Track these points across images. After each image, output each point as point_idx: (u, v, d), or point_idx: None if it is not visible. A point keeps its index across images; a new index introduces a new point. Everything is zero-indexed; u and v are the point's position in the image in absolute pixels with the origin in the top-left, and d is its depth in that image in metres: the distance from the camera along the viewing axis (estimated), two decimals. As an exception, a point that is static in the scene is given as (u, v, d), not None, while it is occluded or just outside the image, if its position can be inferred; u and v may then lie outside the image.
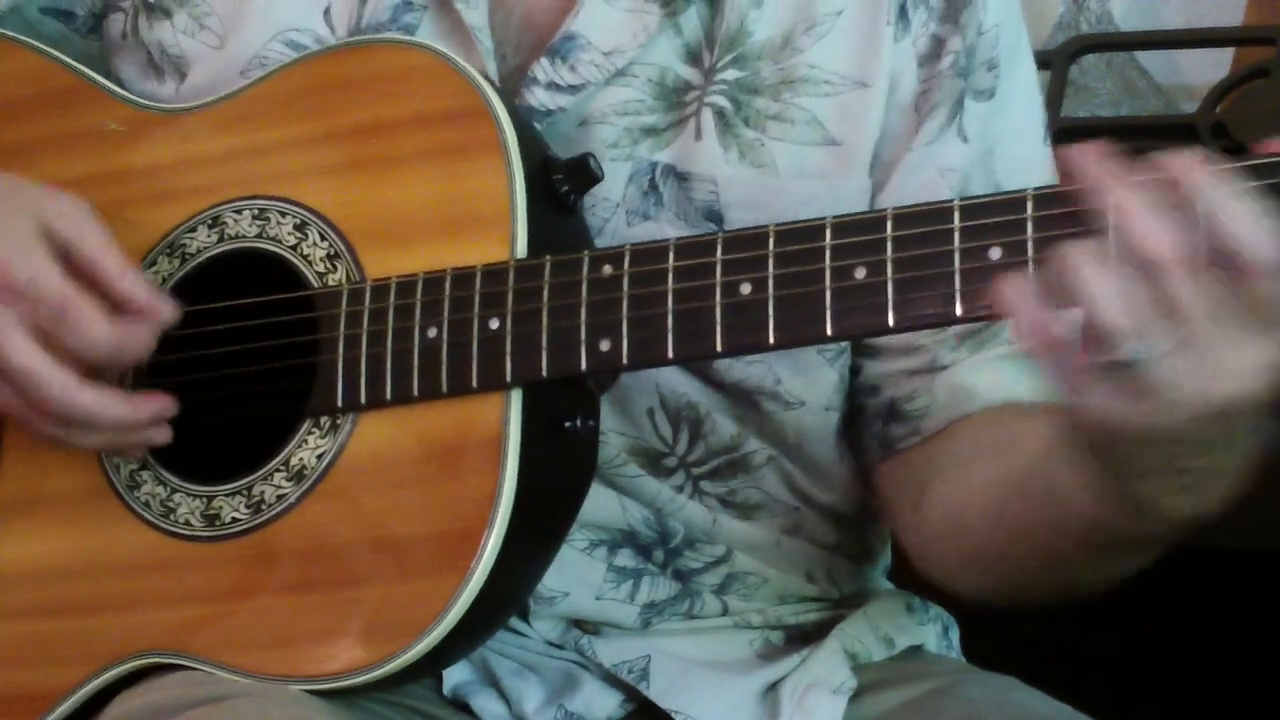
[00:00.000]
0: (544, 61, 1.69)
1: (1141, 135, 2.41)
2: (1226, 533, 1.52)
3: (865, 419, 1.74)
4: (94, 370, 1.61)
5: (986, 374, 1.68)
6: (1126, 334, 1.31)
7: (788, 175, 1.69)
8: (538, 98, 1.68)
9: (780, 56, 1.70)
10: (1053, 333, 1.34)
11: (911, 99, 1.71)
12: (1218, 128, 2.36)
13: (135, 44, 1.80)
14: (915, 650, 1.82)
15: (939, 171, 1.70)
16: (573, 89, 1.68)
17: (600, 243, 1.67)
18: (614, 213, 1.68)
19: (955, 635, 1.88)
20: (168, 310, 1.63)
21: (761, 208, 1.67)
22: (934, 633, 1.85)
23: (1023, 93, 1.76)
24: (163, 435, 1.64)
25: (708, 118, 1.69)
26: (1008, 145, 1.73)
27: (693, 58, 1.70)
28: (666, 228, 1.68)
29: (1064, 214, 1.41)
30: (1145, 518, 1.43)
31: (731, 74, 1.70)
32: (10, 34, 1.81)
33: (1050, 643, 2.46)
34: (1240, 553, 1.84)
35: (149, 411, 1.63)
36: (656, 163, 1.69)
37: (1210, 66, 2.59)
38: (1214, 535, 1.52)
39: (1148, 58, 2.65)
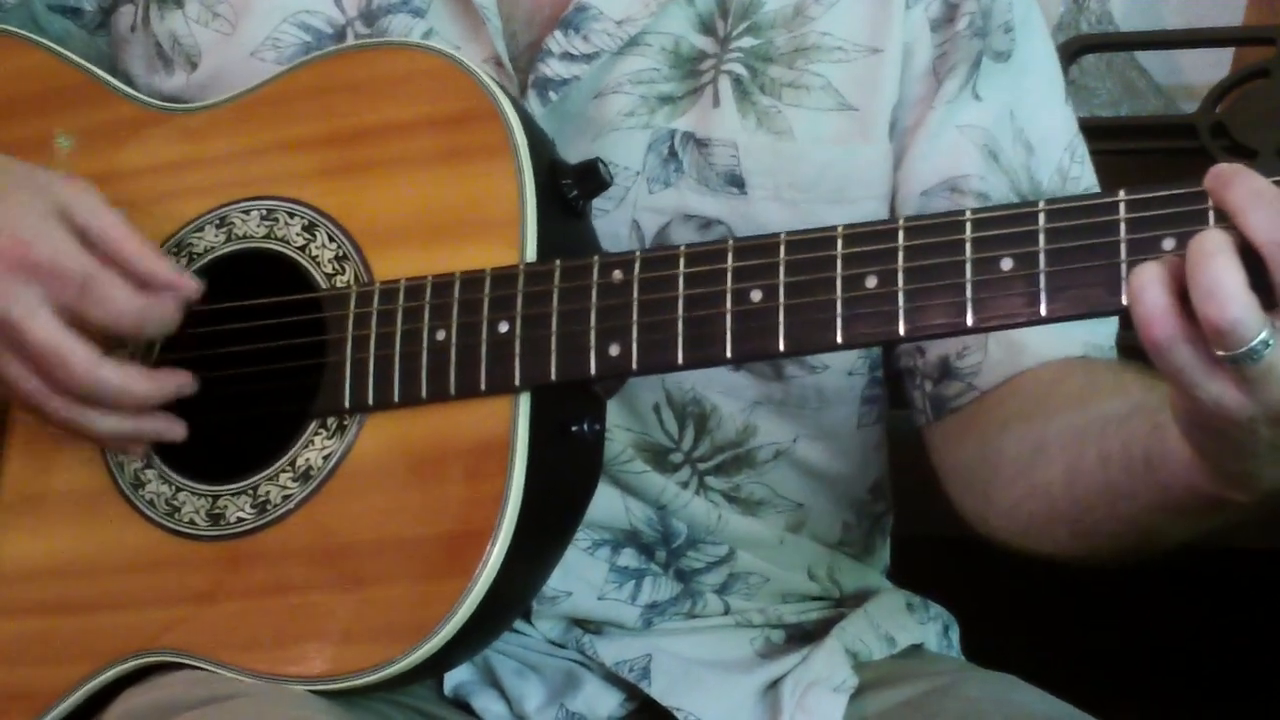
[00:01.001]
0: (557, 33, 1.70)
1: (1141, 135, 2.42)
2: (1226, 532, 1.52)
3: (915, 381, 1.75)
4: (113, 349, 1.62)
5: (1036, 329, 1.68)
6: (1253, 326, 1.32)
7: (805, 141, 1.71)
8: (553, 69, 1.69)
9: (793, 25, 1.72)
10: (1174, 326, 1.34)
11: (928, 63, 1.73)
12: (1218, 128, 2.37)
13: (145, 36, 1.81)
14: (916, 649, 1.82)
15: (958, 129, 1.72)
16: (587, 58, 1.69)
17: (621, 212, 1.68)
18: (635, 181, 1.69)
19: (955, 634, 1.88)
20: (191, 285, 1.63)
21: (782, 173, 1.70)
22: (934, 631, 1.85)
23: (1040, 55, 1.78)
24: (175, 432, 1.64)
25: (725, 85, 1.71)
26: (1031, 106, 1.75)
27: (706, 27, 1.72)
28: (688, 194, 1.70)
29: (1077, 225, 1.41)
30: (1243, 488, 1.43)
31: (746, 42, 1.71)
32: (18, 31, 1.81)
33: (1050, 642, 2.46)
34: (1240, 553, 1.84)
35: (172, 386, 1.63)
36: (675, 130, 1.70)
37: (1210, 66, 2.60)
38: (1214, 535, 1.52)
39: (1148, 58, 2.66)
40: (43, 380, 1.60)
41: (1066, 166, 1.76)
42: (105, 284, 1.59)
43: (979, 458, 1.70)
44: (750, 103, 1.70)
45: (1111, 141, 2.32)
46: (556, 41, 1.69)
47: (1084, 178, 1.77)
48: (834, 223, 1.63)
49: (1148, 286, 1.34)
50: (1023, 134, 1.74)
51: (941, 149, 1.72)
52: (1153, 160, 2.38)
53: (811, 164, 1.70)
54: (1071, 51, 2.53)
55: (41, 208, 1.60)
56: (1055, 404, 1.65)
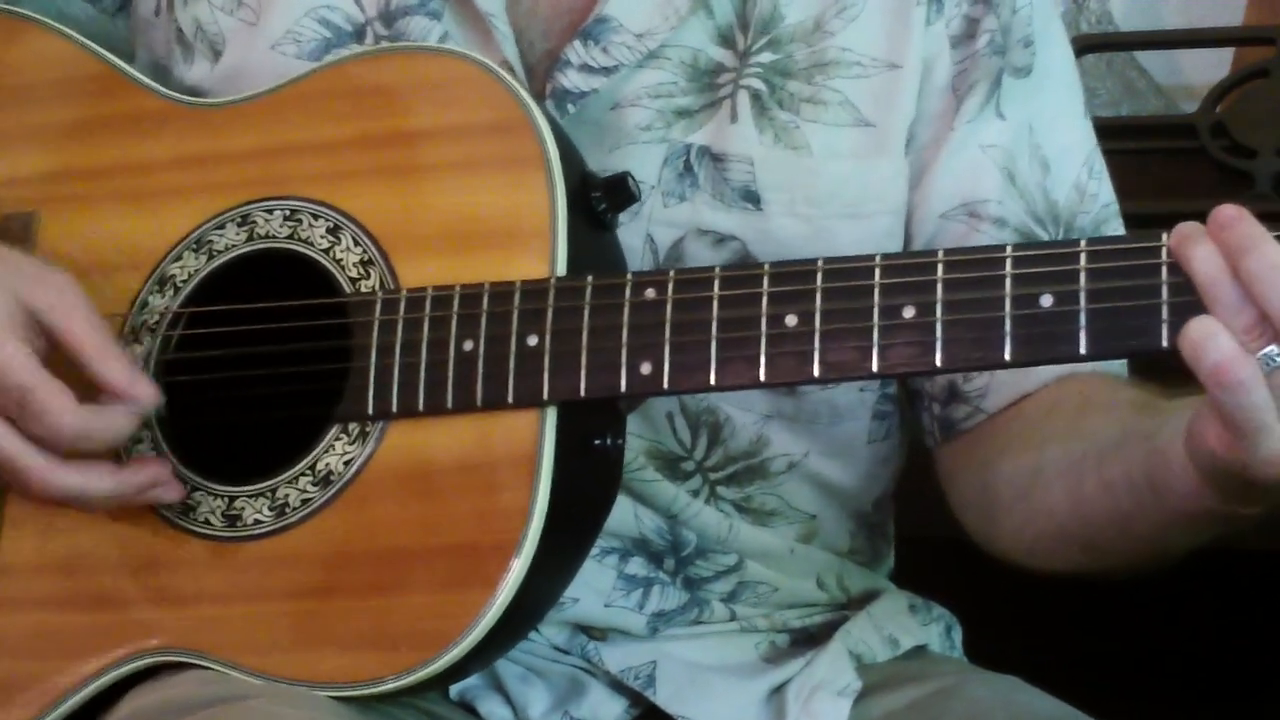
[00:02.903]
0: (576, 44, 1.69)
1: (1141, 135, 2.41)
2: (1228, 535, 1.53)
3: (923, 403, 1.76)
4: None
5: None
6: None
7: (822, 156, 1.70)
8: (571, 80, 1.68)
9: (812, 39, 1.71)
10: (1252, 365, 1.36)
11: (948, 80, 1.73)
12: (1218, 128, 2.36)
13: (167, 21, 1.79)
14: (919, 651, 1.83)
15: (981, 149, 1.73)
16: (606, 71, 1.68)
17: (636, 225, 1.68)
18: (649, 195, 1.68)
19: (958, 635, 1.89)
20: (148, 394, 1.61)
21: (798, 188, 1.69)
22: (937, 633, 1.86)
23: (1059, 67, 1.79)
24: (172, 493, 1.63)
25: (743, 100, 1.70)
26: (1049, 120, 1.76)
27: (725, 40, 1.71)
28: (703, 209, 1.69)
29: (1118, 267, 1.42)
30: (1255, 505, 1.45)
31: (766, 56, 1.71)
32: (39, 17, 1.79)
33: (1053, 643, 2.47)
34: (1241, 554, 1.85)
35: (140, 481, 1.62)
36: (691, 145, 1.70)
37: (1210, 66, 2.59)
38: (1217, 538, 1.53)
39: (1148, 58, 2.66)
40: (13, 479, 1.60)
41: (1084, 183, 1.76)
42: (44, 399, 1.56)
43: (982, 481, 1.72)
44: (768, 118, 1.70)
45: (1111, 141, 2.30)
46: (575, 52, 1.69)
47: (1101, 194, 1.78)
48: (848, 237, 1.65)
49: (1215, 332, 1.36)
50: (1039, 150, 1.74)
51: (962, 170, 1.73)
52: (1153, 160, 2.38)
53: (827, 179, 1.70)
54: (1072, 51, 2.54)
55: (3, 308, 1.58)
56: (1051, 426, 1.66)
